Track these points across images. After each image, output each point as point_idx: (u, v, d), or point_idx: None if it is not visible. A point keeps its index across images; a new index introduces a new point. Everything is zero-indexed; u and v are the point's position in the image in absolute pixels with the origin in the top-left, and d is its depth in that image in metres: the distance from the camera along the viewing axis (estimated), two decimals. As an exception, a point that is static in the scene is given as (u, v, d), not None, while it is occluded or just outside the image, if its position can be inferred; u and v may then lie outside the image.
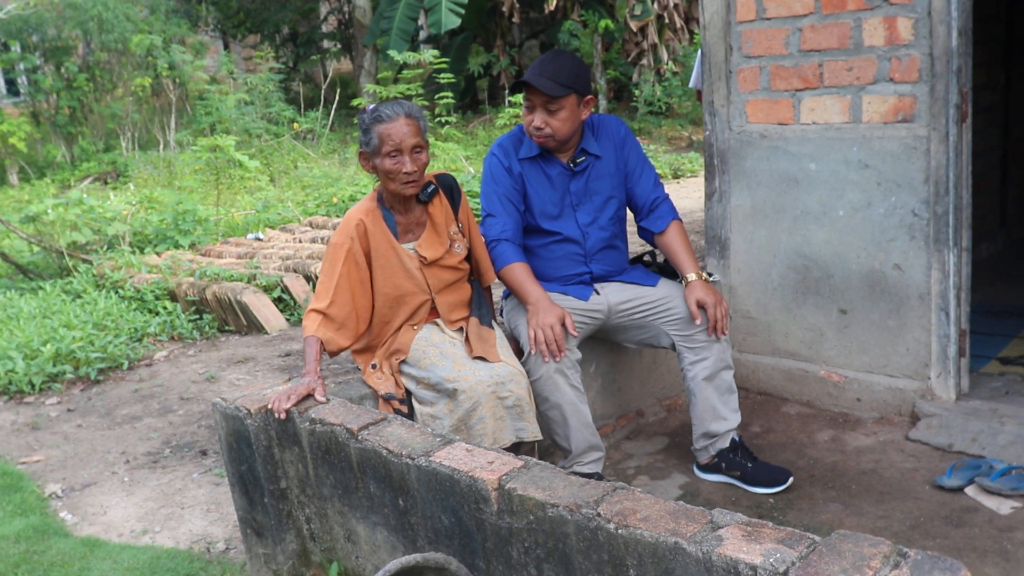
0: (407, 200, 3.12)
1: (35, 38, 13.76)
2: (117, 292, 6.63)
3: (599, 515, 1.90)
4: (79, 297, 6.60)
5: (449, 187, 3.27)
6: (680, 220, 3.47)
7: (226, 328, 6.36)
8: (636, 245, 4.20)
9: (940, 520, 2.98)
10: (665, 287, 3.36)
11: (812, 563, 1.62)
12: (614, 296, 3.36)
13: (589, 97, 3.27)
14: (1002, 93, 5.78)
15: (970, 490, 3.10)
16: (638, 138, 13.91)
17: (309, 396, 2.78)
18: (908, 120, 3.48)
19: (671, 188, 10.85)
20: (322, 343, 3.00)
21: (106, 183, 12.51)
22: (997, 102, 5.75)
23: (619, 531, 1.85)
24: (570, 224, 3.36)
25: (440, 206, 3.21)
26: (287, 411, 2.72)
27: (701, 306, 3.21)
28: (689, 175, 11.87)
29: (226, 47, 20.76)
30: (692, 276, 3.27)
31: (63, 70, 13.75)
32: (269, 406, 2.75)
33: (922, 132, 3.45)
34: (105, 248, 7.58)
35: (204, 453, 4.24)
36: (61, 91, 13.68)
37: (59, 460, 4.30)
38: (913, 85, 3.44)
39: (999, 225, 6.02)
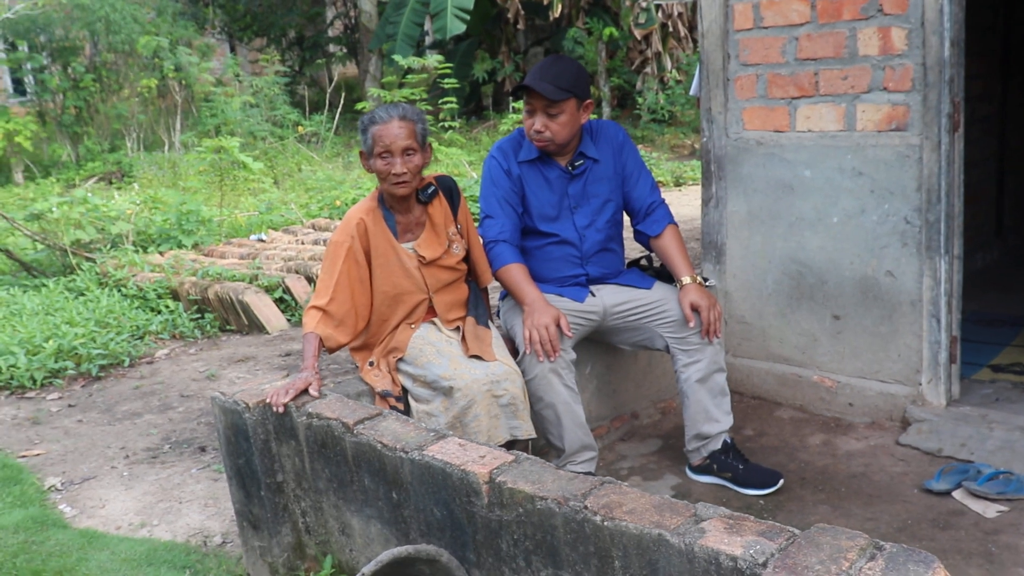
0: (407, 200, 3.18)
1: (42, 38, 13.83)
2: (120, 290, 6.68)
3: (586, 508, 1.94)
4: (82, 295, 6.65)
5: (449, 189, 3.32)
6: (676, 224, 3.51)
7: (227, 327, 6.41)
8: (634, 250, 4.25)
9: (927, 523, 3.02)
10: (660, 290, 3.41)
11: (791, 554, 1.67)
12: (610, 298, 3.41)
13: (588, 102, 3.32)
14: (999, 104, 5.83)
15: (957, 494, 3.15)
16: (641, 146, 14.01)
17: (306, 391, 2.83)
18: (901, 129, 3.53)
19: (673, 196, 10.90)
20: (321, 340, 3.05)
21: (111, 183, 12.57)
22: (993, 113, 5.79)
23: (605, 523, 1.89)
24: (567, 226, 3.41)
25: (440, 207, 3.26)
26: (284, 405, 2.77)
27: (695, 309, 3.26)
28: (691, 183, 11.92)
29: (232, 50, 20.83)
30: (687, 279, 3.32)
31: (70, 70, 13.82)
32: (267, 400, 2.80)
33: (915, 141, 3.50)
34: (109, 247, 7.63)
35: (203, 449, 4.29)
36: (67, 91, 13.76)
37: (59, 454, 4.35)
38: (906, 94, 3.49)
39: (994, 235, 6.06)
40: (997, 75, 5.77)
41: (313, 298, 3.11)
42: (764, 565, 1.65)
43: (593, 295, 3.41)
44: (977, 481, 3.13)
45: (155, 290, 6.59)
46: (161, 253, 7.66)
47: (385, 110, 3.09)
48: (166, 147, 13.78)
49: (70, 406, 5.03)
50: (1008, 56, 5.85)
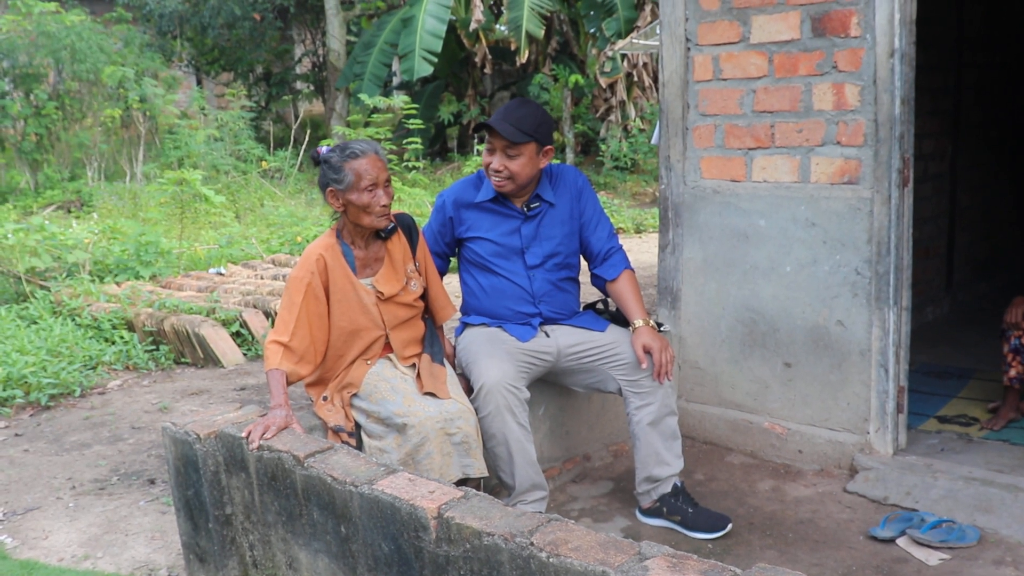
0: (367, 236, 3.20)
1: (5, 64, 13.74)
2: (74, 320, 6.60)
3: (532, 544, 1.96)
4: (35, 323, 6.56)
5: (407, 226, 3.35)
6: (632, 270, 3.57)
7: (182, 360, 6.35)
8: (592, 295, 4.31)
9: (871, 569, 3.06)
10: (613, 332, 3.45)
11: (732, 594, 1.69)
12: (564, 339, 3.44)
13: (549, 147, 3.39)
14: (950, 163, 5.98)
15: (901, 541, 3.20)
16: (603, 192, 14.15)
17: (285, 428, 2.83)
18: (853, 182, 3.62)
19: (633, 242, 11.01)
20: (286, 375, 3.05)
21: (69, 212, 12.44)
22: (945, 171, 5.95)
23: (550, 560, 1.91)
24: (517, 266, 3.46)
25: (399, 244, 3.29)
26: (260, 444, 2.75)
27: (647, 351, 3.30)
28: (651, 230, 12.04)
29: (199, 83, 20.81)
30: (639, 322, 3.37)
31: (32, 97, 13.71)
32: (243, 435, 2.77)
33: (866, 194, 3.59)
34: (64, 275, 7.54)
35: (152, 482, 4.24)
36: (29, 118, 13.63)
37: (2, 484, 4.27)
38: (858, 149, 3.58)
39: (945, 290, 6.19)
40: (949, 135, 5.93)
41: (272, 333, 3.11)
42: (705, 603, 1.67)
43: (547, 336, 3.45)
44: (921, 529, 3.18)
45: (110, 320, 6.51)
46: (118, 283, 7.58)
47: (358, 145, 3.12)
48: (127, 178, 13.68)
49: (17, 435, 4.95)
50: (959, 117, 6.02)
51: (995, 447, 3.82)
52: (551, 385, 3.67)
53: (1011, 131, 6.92)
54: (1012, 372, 4.00)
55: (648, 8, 14.96)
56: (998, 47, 6.51)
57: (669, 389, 3.39)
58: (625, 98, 16.67)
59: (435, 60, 14.39)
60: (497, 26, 16.77)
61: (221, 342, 6.21)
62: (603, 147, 16.11)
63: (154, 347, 6.38)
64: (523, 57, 15.30)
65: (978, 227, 6.53)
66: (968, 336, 5.59)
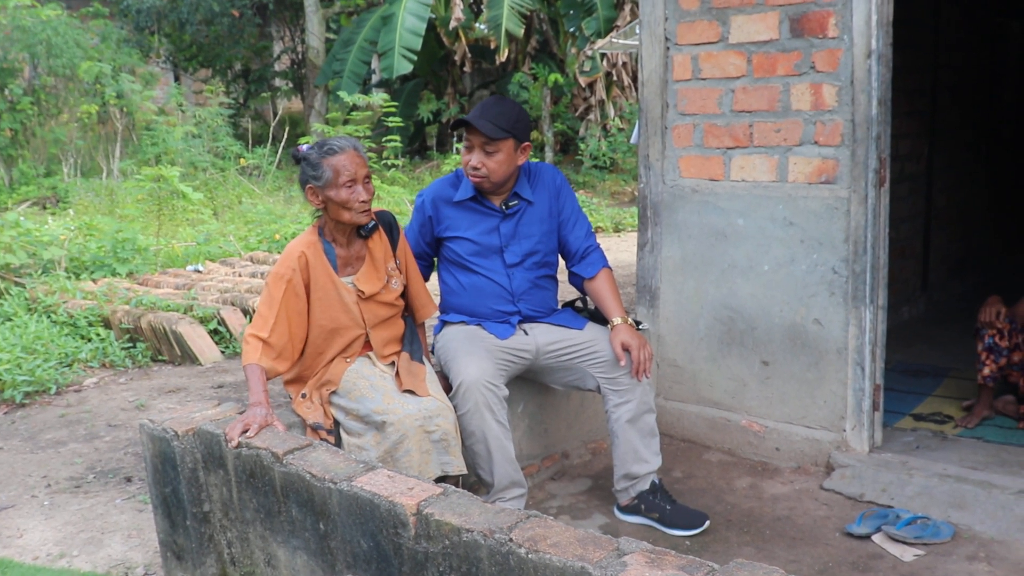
0: (349, 234, 3.19)
1: (-21, 59, 13.61)
2: (49, 317, 6.54)
3: (511, 540, 1.96)
4: (9, 320, 6.50)
5: (388, 224, 3.35)
6: (610, 268, 3.58)
7: (160, 358, 6.32)
8: (570, 294, 4.31)
9: (847, 565, 3.09)
10: (592, 330, 3.46)
11: (709, 589, 1.71)
12: (542, 337, 3.45)
13: (526, 144, 3.40)
14: (926, 164, 6.04)
15: (877, 538, 3.23)
16: (582, 191, 14.16)
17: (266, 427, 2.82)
18: (831, 182, 3.64)
19: (612, 241, 11.04)
20: (264, 371, 3.03)
21: (45, 208, 12.33)
22: (921, 171, 6.00)
23: (529, 556, 1.91)
24: (496, 264, 3.47)
25: (380, 242, 3.28)
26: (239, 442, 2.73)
27: (626, 348, 3.31)
28: (630, 229, 12.07)
29: (176, 79, 20.65)
30: (618, 320, 3.38)
31: (7, 92, 13.58)
32: (226, 433, 2.75)
33: (843, 194, 3.62)
34: (40, 272, 7.48)
35: (129, 479, 4.22)
36: (3, 113, 13.49)
37: (-22, 481, 4.24)
38: (836, 149, 3.61)
39: (921, 289, 6.24)
40: (925, 136, 5.98)
41: (252, 327, 3.09)
42: (683, 599, 1.69)
43: (526, 334, 3.46)
44: (896, 526, 3.21)
45: (86, 317, 6.46)
46: (94, 281, 7.52)
47: (336, 141, 3.11)
48: (104, 174, 13.58)
49: (-8, 433, 4.91)
50: (935, 118, 6.07)
51: (969, 444, 3.87)
52: (530, 383, 3.68)
53: (986, 132, 6.99)
54: (986, 370, 4.04)
55: (627, 7, 14.99)
56: (974, 49, 6.58)
57: (647, 387, 3.41)
58: (604, 97, 16.72)
59: (415, 58, 14.36)
60: (477, 24, 16.78)
61: (199, 339, 6.18)
62: (582, 146, 16.14)
63: (131, 344, 6.33)
64: (503, 55, 15.29)
65: (954, 227, 6.59)
66: (943, 335, 5.64)
